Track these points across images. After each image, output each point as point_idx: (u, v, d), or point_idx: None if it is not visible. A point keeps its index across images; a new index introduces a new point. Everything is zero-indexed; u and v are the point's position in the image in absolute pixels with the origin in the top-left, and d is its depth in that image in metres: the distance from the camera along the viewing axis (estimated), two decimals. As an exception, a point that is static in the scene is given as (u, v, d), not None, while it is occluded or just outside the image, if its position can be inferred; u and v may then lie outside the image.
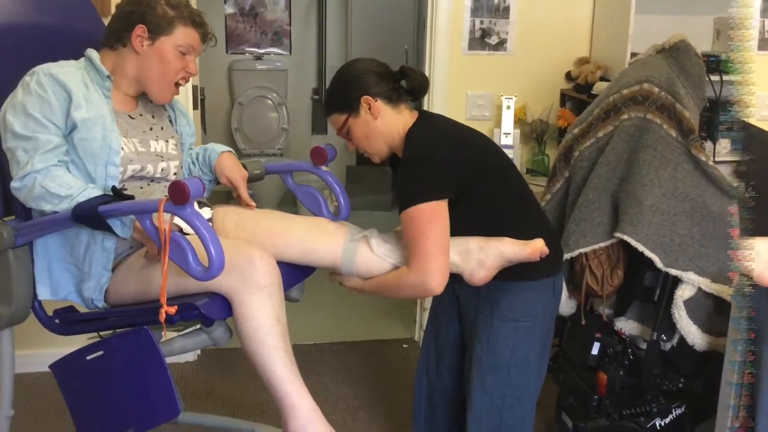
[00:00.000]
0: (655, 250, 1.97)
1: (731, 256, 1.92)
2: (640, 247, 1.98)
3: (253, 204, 1.89)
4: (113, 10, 1.83)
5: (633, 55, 2.74)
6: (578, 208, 2.13)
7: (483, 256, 1.78)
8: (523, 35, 3.12)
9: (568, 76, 3.17)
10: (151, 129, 1.85)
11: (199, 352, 3.08)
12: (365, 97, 1.84)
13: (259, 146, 5.17)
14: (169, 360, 1.60)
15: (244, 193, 1.90)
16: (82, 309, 1.80)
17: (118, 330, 1.72)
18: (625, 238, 1.99)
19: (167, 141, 1.87)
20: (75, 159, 1.68)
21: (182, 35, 1.77)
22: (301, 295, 1.96)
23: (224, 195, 1.99)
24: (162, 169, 1.83)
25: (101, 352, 1.65)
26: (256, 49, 5.29)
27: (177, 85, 1.83)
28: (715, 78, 2.53)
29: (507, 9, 3.08)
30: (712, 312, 2.03)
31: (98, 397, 1.69)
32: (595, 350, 2.15)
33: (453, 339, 2.07)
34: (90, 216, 1.56)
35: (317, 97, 5.41)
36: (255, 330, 1.59)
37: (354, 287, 1.86)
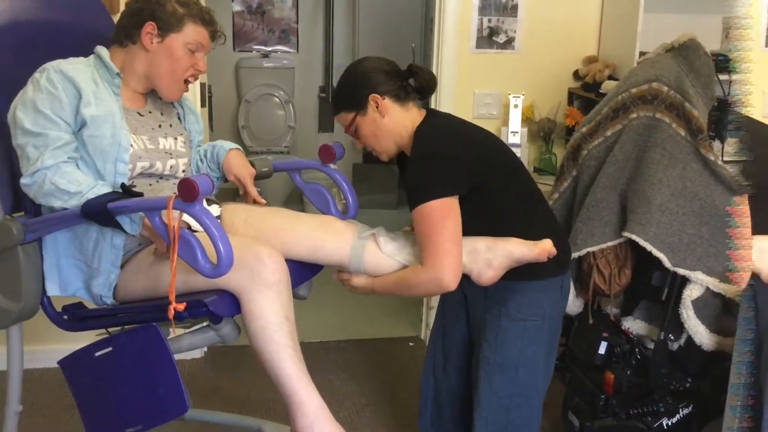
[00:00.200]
0: (663, 249, 1.97)
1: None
2: (649, 247, 1.97)
3: (263, 201, 1.90)
4: (122, 7, 1.84)
5: (642, 53, 2.73)
6: (586, 207, 2.13)
7: (491, 256, 1.78)
8: (531, 34, 3.11)
9: (576, 75, 3.16)
10: (159, 126, 1.85)
11: (206, 349, 3.08)
12: (373, 95, 1.84)
13: (266, 144, 5.17)
14: (176, 357, 1.61)
15: (252, 190, 1.91)
16: (91, 305, 1.80)
17: (126, 326, 1.72)
18: (634, 237, 1.99)
19: (176, 138, 1.88)
20: (84, 156, 1.69)
21: (192, 33, 1.78)
22: (309, 293, 1.96)
23: (232, 192, 1.99)
24: (171, 167, 1.83)
25: (110, 349, 1.66)
26: (263, 47, 5.29)
27: (186, 82, 1.83)
28: (724, 77, 2.52)
29: (515, 7, 3.07)
30: (720, 312, 2.03)
31: (106, 393, 1.70)
32: (602, 349, 2.15)
33: (460, 338, 2.07)
34: (99, 213, 1.57)
35: (324, 95, 5.41)
36: (263, 327, 1.60)
37: (364, 287, 1.84)
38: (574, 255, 2.09)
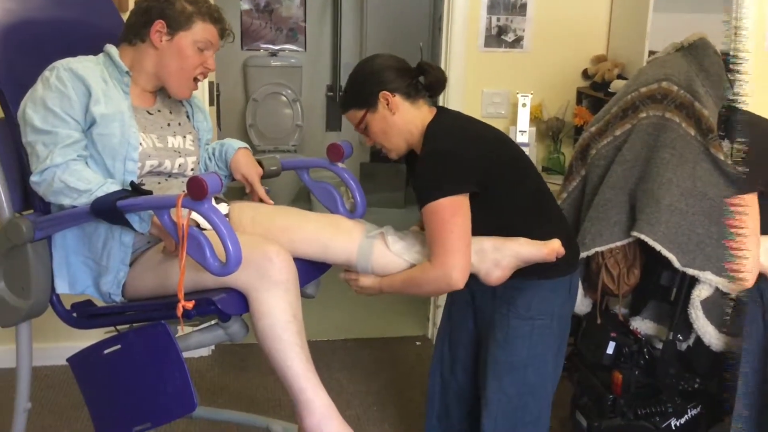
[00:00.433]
0: (672, 249, 1.96)
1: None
2: (658, 247, 1.96)
3: (270, 201, 1.90)
4: (132, 5, 1.84)
5: (651, 53, 2.72)
6: (595, 207, 2.12)
7: (499, 256, 1.77)
8: (540, 32, 3.10)
9: (585, 74, 3.16)
10: (168, 125, 1.86)
11: (213, 347, 3.09)
12: (383, 92, 1.84)
13: (274, 142, 5.18)
14: (184, 355, 1.61)
15: (260, 189, 1.91)
16: (100, 303, 1.81)
17: (135, 324, 1.73)
18: (643, 237, 1.98)
19: (185, 137, 1.88)
20: (94, 154, 1.69)
21: (201, 31, 1.78)
22: (317, 291, 1.96)
23: (240, 191, 1.99)
24: (179, 165, 1.83)
25: (118, 346, 1.67)
26: (271, 46, 5.30)
27: (196, 80, 1.84)
28: (734, 77, 2.50)
29: (524, 6, 3.07)
30: (730, 312, 2.01)
31: (115, 390, 1.71)
32: (610, 349, 2.14)
33: (467, 338, 2.07)
34: (108, 211, 1.57)
35: (331, 93, 5.42)
36: (271, 326, 1.60)
37: (372, 287, 1.84)
38: (583, 255, 2.09)
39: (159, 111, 1.86)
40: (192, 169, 1.88)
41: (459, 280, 1.74)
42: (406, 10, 5.12)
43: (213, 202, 1.49)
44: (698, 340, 2.03)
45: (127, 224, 1.60)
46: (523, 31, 3.10)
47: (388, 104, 1.85)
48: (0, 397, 2.63)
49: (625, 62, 2.98)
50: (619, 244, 2.07)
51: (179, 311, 1.53)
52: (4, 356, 2.48)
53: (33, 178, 1.65)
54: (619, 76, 2.93)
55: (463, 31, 3.02)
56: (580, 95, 3.14)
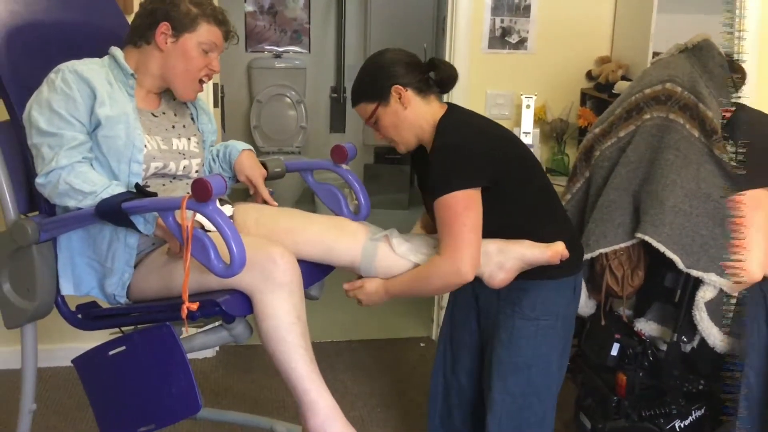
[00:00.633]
0: (676, 250, 1.96)
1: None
2: (662, 248, 1.96)
3: (274, 202, 1.90)
4: (137, 7, 1.85)
5: (655, 54, 2.72)
6: (599, 208, 2.12)
7: (503, 259, 1.77)
8: (544, 34, 3.10)
9: (589, 75, 3.16)
10: (173, 127, 1.86)
11: (218, 348, 3.09)
12: (396, 86, 1.83)
13: (278, 144, 5.18)
14: (189, 356, 1.61)
15: (264, 191, 1.92)
16: (105, 304, 1.82)
17: (139, 326, 1.73)
18: (647, 238, 1.98)
19: (189, 139, 1.89)
20: (99, 156, 1.70)
21: (205, 33, 1.78)
22: (321, 293, 1.97)
23: (244, 192, 2.00)
24: (184, 167, 1.84)
25: (123, 348, 1.67)
26: (275, 48, 5.30)
27: (201, 82, 1.84)
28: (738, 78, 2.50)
29: (528, 7, 3.07)
30: (734, 314, 2.01)
31: (120, 391, 1.71)
32: (614, 351, 2.14)
33: (470, 339, 2.07)
34: (113, 212, 1.58)
35: (336, 95, 5.42)
36: (275, 327, 1.60)
37: (377, 293, 1.84)
38: (587, 256, 2.09)
39: (164, 113, 1.86)
40: (196, 171, 1.88)
41: (469, 273, 1.73)
42: (410, 11, 5.12)
43: (217, 203, 1.50)
44: (702, 341, 2.03)
45: (132, 226, 1.61)
46: (527, 32, 3.10)
47: (400, 98, 1.84)
48: (5, 398, 2.64)
49: (629, 63, 2.98)
50: (623, 245, 2.07)
51: (184, 313, 1.53)
52: (10, 357, 2.49)
53: (38, 180, 1.66)
54: (623, 78, 2.93)
55: (467, 33, 3.02)
56: (584, 96, 3.14)
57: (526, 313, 1.87)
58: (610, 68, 3.01)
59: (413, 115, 1.86)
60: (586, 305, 2.22)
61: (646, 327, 2.16)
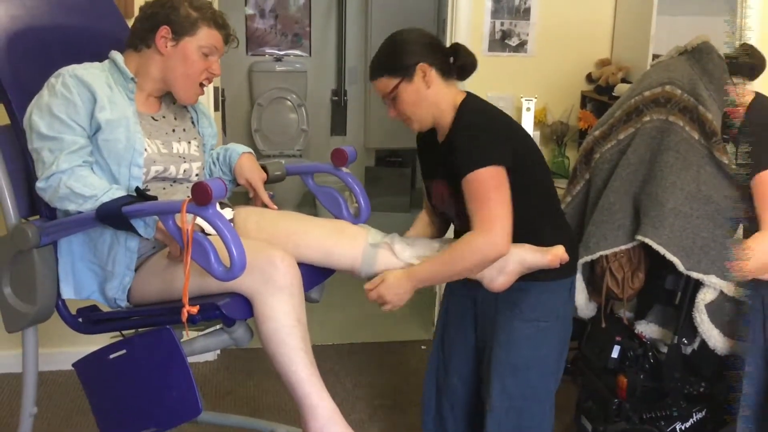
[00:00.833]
0: (676, 252, 1.96)
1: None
2: (662, 250, 1.96)
3: (274, 206, 1.90)
4: (137, 11, 1.85)
5: (655, 56, 2.72)
6: (599, 211, 2.12)
7: (503, 263, 1.77)
8: (544, 37, 3.11)
9: (589, 78, 3.16)
10: (173, 130, 1.87)
11: (219, 351, 3.10)
12: (422, 64, 1.82)
13: (279, 147, 5.19)
14: (189, 359, 1.62)
15: (263, 194, 1.92)
16: (105, 308, 1.82)
17: (140, 329, 1.74)
18: (647, 240, 1.98)
19: (189, 142, 1.89)
20: (99, 160, 1.70)
21: (205, 36, 1.79)
22: (321, 296, 1.97)
23: (245, 196, 2.00)
24: (184, 171, 1.84)
25: (124, 351, 1.67)
26: (276, 51, 5.31)
27: (201, 85, 1.84)
28: (738, 80, 2.50)
29: (528, 10, 3.07)
30: (734, 316, 2.01)
31: (120, 395, 1.71)
32: (615, 353, 2.14)
33: (464, 343, 2.05)
34: (114, 216, 1.58)
35: (336, 98, 5.43)
36: (276, 330, 1.60)
37: (400, 285, 1.77)
38: (587, 258, 2.09)
39: (164, 117, 1.87)
40: (197, 175, 1.89)
41: (505, 246, 1.73)
42: (411, 14, 5.12)
43: (218, 207, 1.50)
44: (703, 343, 2.03)
45: (132, 230, 1.61)
46: (527, 35, 3.10)
47: (424, 77, 1.82)
48: (6, 402, 2.64)
49: (629, 66, 2.98)
50: (623, 247, 2.07)
51: (184, 316, 1.53)
52: (11, 361, 2.50)
53: (39, 184, 1.66)
54: (623, 80, 2.94)
55: (467, 36, 3.02)
56: (585, 99, 3.15)
57: (525, 315, 1.87)
58: (610, 71, 3.02)
59: (434, 96, 1.84)
60: (586, 307, 2.22)
61: (647, 329, 2.16)
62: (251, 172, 1.94)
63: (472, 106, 1.86)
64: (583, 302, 2.20)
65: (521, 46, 3.11)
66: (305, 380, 1.61)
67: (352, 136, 5.42)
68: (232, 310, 1.60)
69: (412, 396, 2.82)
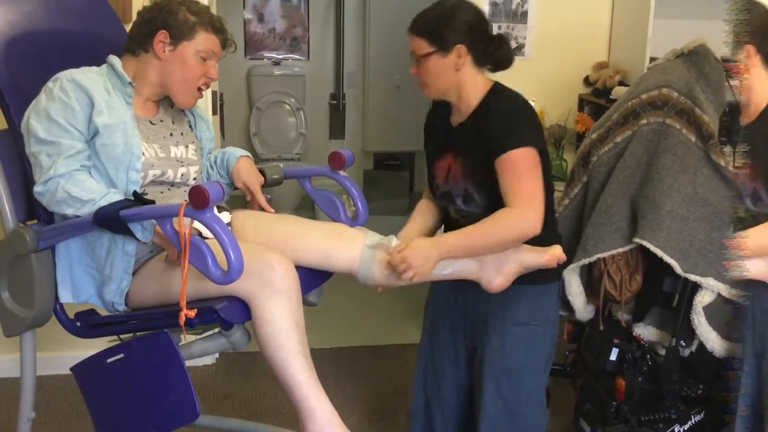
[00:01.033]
0: (674, 255, 1.96)
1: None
2: (659, 253, 1.96)
3: (271, 209, 1.91)
4: (135, 16, 1.85)
5: (652, 59, 2.73)
6: (596, 213, 2.13)
7: (500, 263, 1.78)
8: (541, 40, 3.12)
9: (587, 81, 3.17)
10: (171, 135, 1.87)
11: (217, 355, 3.10)
12: (461, 46, 1.82)
13: (277, 151, 5.19)
14: (187, 363, 1.62)
15: (261, 198, 1.92)
16: (103, 312, 1.82)
17: (138, 333, 1.74)
18: (644, 243, 1.98)
19: (187, 146, 1.89)
20: (97, 164, 1.70)
21: (203, 41, 1.79)
22: (320, 299, 1.97)
23: (242, 199, 2.00)
24: (182, 174, 1.84)
25: (122, 355, 1.67)
26: (274, 55, 5.32)
27: (199, 90, 1.85)
28: (734, 82, 2.51)
29: (525, 14, 3.08)
30: (732, 318, 2.01)
31: (118, 399, 1.71)
32: (613, 356, 2.14)
33: (453, 347, 2.05)
34: (111, 220, 1.58)
35: (335, 102, 5.43)
36: (273, 334, 1.60)
37: (425, 250, 1.72)
38: (585, 261, 2.09)
39: (161, 121, 1.87)
40: (194, 179, 1.89)
41: (537, 224, 1.75)
42: (409, 18, 5.11)
43: (215, 210, 1.50)
44: (701, 346, 2.03)
45: (130, 234, 1.61)
46: (525, 38, 3.11)
47: (458, 58, 1.83)
48: (4, 406, 2.64)
49: (627, 69, 2.99)
50: (621, 250, 2.08)
51: (182, 320, 1.53)
52: (9, 365, 2.49)
53: (36, 189, 1.66)
54: (621, 83, 2.94)
55: (465, 39, 3.02)
56: (582, 102, 3.15)
57: (518, 318, 1.88)
58: (608, 74, 3.02)
59: (461, 77, 1.85)
60: (584, 310, 2.22)
61: (645, 332, 2.17)
62: (248, 175, 1.94)
63: (505, 91, 1.88)
64: (581, 305, 2.20)
65: (519, 50, 3.11)
66: (303, 383, 1.61)
67: (351, 139, 5.42)
68: (230, 313, 1.60)
69: (411, 398, 2.82)
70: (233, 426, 2.44)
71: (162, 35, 1.76)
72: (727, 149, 2.10)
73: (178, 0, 1.80)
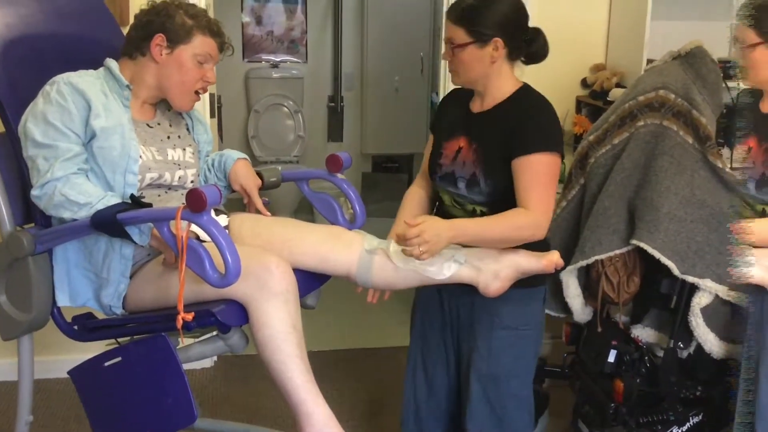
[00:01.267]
0: (671, 257, 1.96)
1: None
2: (657, 254, 1.97)
3: (268, 213, 1.91)
4: (132, 19, 1.85)
5: (649, 61, 2.73)
6: (594, 215, 2.13)
7: (498, 268, 1.77)
8: (539, 42, 3.11)
9: (584, 83, 3.16)
10: (168, 137, 1.87)
11: (215, 358, 3.09)
12: (500, 40, 1.81)
13: (276, 153, 5.19)
14: (186, 366, 1.62)
15: (258, 201, 1.92)
16: (101, 316, 1.82)
17: (135, 336, 1.73)
18: (642, 245, 1.99)
19: (184, 149, 1.89)
20: (94, 167, 1.70)
21: (200, 44, 1.79)
22: (317, 302, 1.97)
23: (240, 202, 2.00)
24: (179, 177, 1.84)
25: (119, 359, 1.67)
26: (272, 57, 5.32)
27: (197, 93, 1.85)
28: (732, 84, 2.51)
29: (522, 16, 3.07)
30: (730, 319, 2.02)
31: (116, 402, 1.71)
32: (611, 358, 2.14)
33: (442, 351, 2.04)
34: (109, 223, 1.58)
35: (333, 104, 5.43)
36: (271, 337, 1.60)
37: (439, 228, 1.70)
38: (583, 263, 2.09)
39: (159, 124, 1.87)
40: (192, 182, 1.89)
41: (545, 232, 1.79)
42: (407, 20, 5.13)
43: (212, 214, 1.50)
44: (699, 347, 2.03)
45: (127, 237, 1.61)
46: (522, 40, 3.10)
47: (495, 50, 1.82)
48: (2, 410, 2.64)
49: (624, 71, 2.99)
50: (618, 252, 2.08)
51: (179, 323, 1.53)
52: (6, 369, 2.49)
53: (34, 192, 1.66)
54: (618, 85, 2.94)
55: (462, 41, 3.02)
56: (580, 104, 3.15)
57: (506, 323, 1.87)
58: (605, 76, 3.02)
59: (493, 70, 1.84)
60: (582, 312, 2.22)
61: (643, 333, 2.17)
62: (246, 178, 1.94)
63: (536, 93, 1.89)
64: (579, 307, 2.20)
65: (516, 52, 3.11)
66: (301, 387, 1.60)
67: (349, 142, 5.42)
68: (228, 316, 1.60)
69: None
70: (231, 429, 2.44)
71: (159, 39, 1.77)
72: (725, 151, 2.10)
73: (176, 3, 1.81)
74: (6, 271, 1.74)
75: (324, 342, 3.29)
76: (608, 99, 2.88)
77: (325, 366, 3.06)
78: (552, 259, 1.77)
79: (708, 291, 1.98)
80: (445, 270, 1.78)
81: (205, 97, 2.81)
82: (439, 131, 2.01)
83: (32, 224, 1.78)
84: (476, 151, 1.87)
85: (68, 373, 1.77)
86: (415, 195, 2.07)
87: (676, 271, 1.96)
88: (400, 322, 3.52)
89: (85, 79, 1.73)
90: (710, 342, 2.00)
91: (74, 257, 1.75)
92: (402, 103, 5.11)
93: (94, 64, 1.83)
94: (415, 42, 5.07)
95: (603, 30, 3.16)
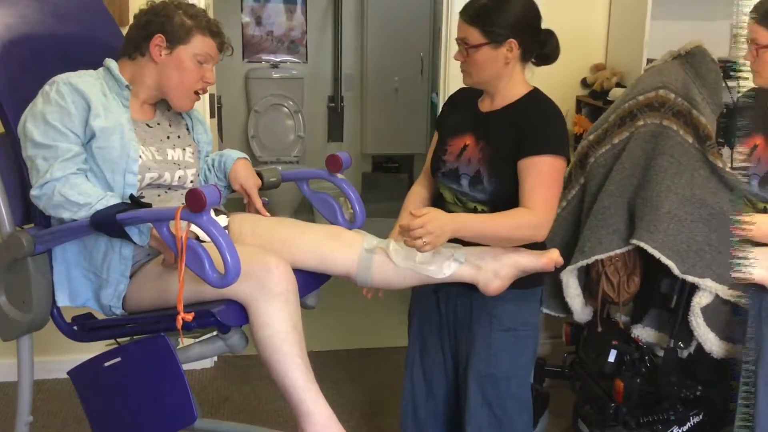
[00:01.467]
0: (671, 256, 1.96)
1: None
2: (657, 254, 1.97)
3: (267, 213, 1.90)
4: (131, 20, 1.85)
5: (649, 61, 2.73)
6: (594, 215, 2.13)
7: (498, 266, 1.77)
8: (538, 42, 3.11)
9: (584, 83, 3.16)
10: (168, 137, 1.87)
11: (215, 359, 3.09)
12: (514, 41, 1.81)
13: (276, 154, 5.19)
14: (185, 367, 1.62)
15: (257, 201, 1.92)
16: (100, 316, 1.81)
17: (135, 337, 1.73)
18: (642, 244, 1.99)
19: (184, 149, 1.89)
20: (94, 167, 1.70)
21: (200, 44, 1.79)
22: (317, 302, 1.96)
23: (240, 202, 2.00)
24: (179, 177, 1.84)
25: (119, 359, 1.67)
26: (272, 58, 5.32)
27: (196, 93, 1.84)
28: (732, 84, 2.51)
29: (522, 16, 3.07)
30: (730, 319, 2.01)
31: (116, 403, 1.71)
32: (611, 357, 2.14)
33: (440, 352, 2.04)
34: (108, 224, 1.58)
35: (333, 104, 5.43)
36: (271, 337, 1.60)
37: (442, 220, 1.69)
38: (583, 263, 2.09)
39: (158, 124, 1.87)
40: (192, 182, 1.89)
41: (546, 234, 1.79)
42: (407, 21, 5.13)
43: (212, 214, 1.50)
44: (699, 347, 2.03)
45: (127, 237, 1.61)
46: (522, 40, 3.10)
47: (509, 52, 1.82)
48: (2, 411, 2.64)
49: (624, 71, 2.98)
50: (618, 251, 2.08)
51: (179, 323, 1.53)
52: (6, 370, 2.49)
53: (33, 192, 1.66)
54: (618, 85, 2.94)
55: (462, 41, 3.02)
56: (580, 104, 3.15)
57: (504, 324, 1.87)
58: (605, 75, 3.02)
59: (506, 71, 1.85)
60: (582, 312, 2.22)
61: (643, 333, 2.17)
62: (246, 178, 1.94)
63: (546, 97, 1.89)
64: (579, 307, 2.20)
65: (516, 52, 3.11)
66: (301, 387, 1.60)
67: (349, 142, 5.42)
68: (227, 316, 1.60)
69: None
70: (232, 429, 2.44)
71: (158, 39, 1.76)
72: (725, 150, 2.10)
73: (175, 3, 1.81)
74: (5, 271, 1.74)
75: (324, 342, 3.28)
76: (608, 99, 2.88)
77: (325, 366, 3.06)
78: (552, 257, 1.77)
79: (708, 290, 1.98)
80: (445, 269, 1.77)
81: (205, 98, 2.81)
82: (445, 128, 2.01)
83: (32, 224, 1.78)
84: (482, 150, 1.87)
85: (68, 373, 1.77)
86: (418, 194, 2.08)
87: (676, 271, 1.96)
88: (400, 322, 3.51)
89: (85, 80, 1.73)
90: (710, 342, 2.00)
91: (74, 257, 1.74)
92: (402, 104, 5.11)
93: (94, 64, 1.83)
94: (415, 42, 5.07)
95: (603, 30, 3.15)
